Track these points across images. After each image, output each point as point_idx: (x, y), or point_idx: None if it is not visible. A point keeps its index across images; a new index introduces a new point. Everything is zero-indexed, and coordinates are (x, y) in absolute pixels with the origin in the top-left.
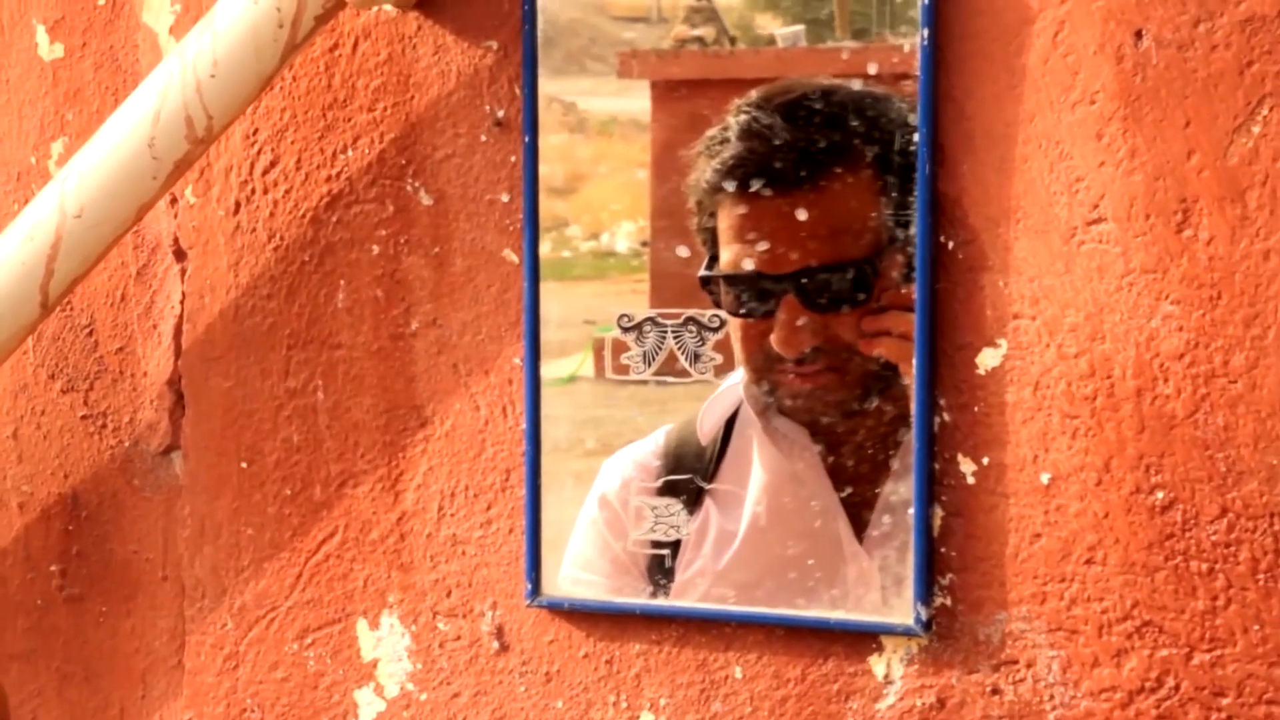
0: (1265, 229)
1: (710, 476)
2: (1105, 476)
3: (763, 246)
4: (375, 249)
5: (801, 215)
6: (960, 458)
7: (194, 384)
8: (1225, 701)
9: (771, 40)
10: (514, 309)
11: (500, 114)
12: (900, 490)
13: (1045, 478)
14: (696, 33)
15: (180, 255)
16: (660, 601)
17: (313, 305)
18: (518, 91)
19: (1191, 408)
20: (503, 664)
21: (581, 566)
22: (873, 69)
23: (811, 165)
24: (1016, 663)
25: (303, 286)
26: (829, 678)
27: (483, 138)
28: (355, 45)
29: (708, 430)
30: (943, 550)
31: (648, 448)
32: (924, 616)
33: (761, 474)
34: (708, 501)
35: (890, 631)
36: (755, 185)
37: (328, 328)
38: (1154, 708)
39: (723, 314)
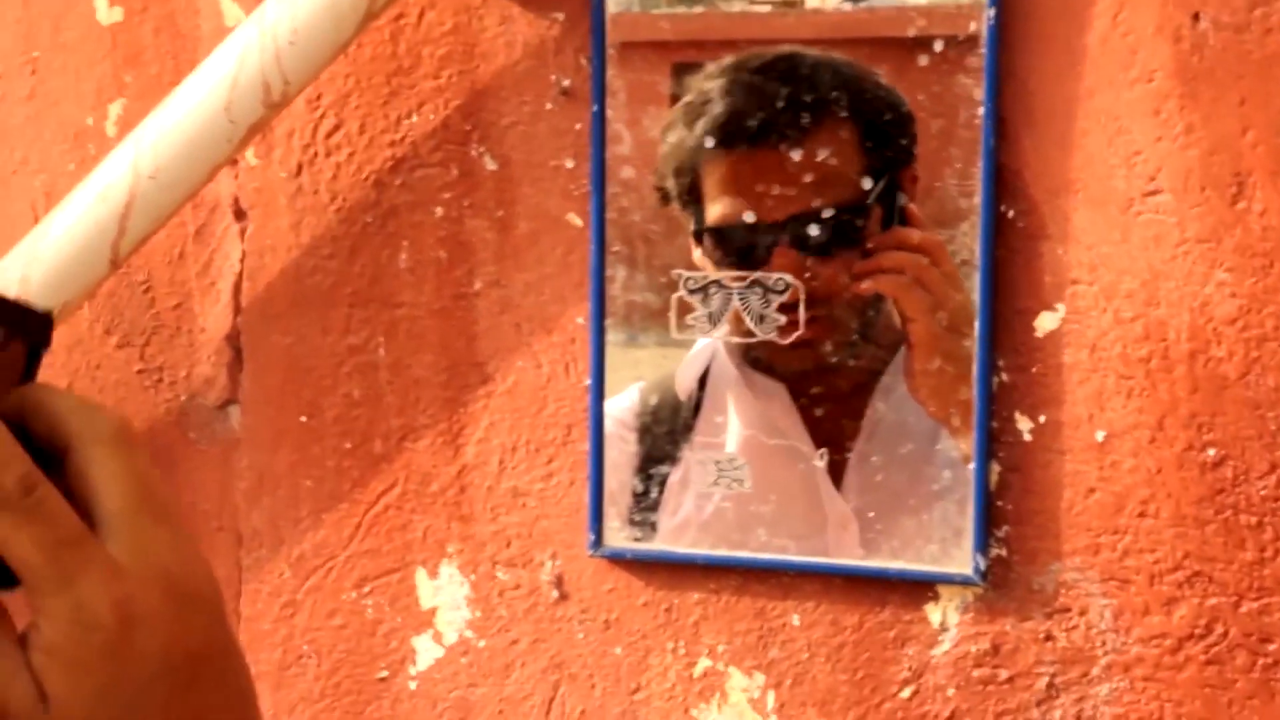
0: None
1: (689, 430)
2: (1158, 434)
3: (754, 197)
4: (439, 211)
5: (790, 165)
6: (1018, 416)
7: (253, 340)
8: (1271, 647)
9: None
10: (578, 271)
11: (566, 84)
12: (961, 446)
13: (1100, 435)
14: None
15: (240, 215)
16: (722, 552)
17: (375, 265)
18: (583, 62)
19: (1243, 369)
20: (562, 612)
21: None
22: (938, 46)
23: (797, 117)
24: (1069, 610)
25: (365, 247)
26: (885, 625)
27: (548, 106)
28: (421, 15)
29: (685, 386)
30: (999, 504)
31: (623, 404)
32: (981, 566)
33: (739, 426)
34: (687, 454)
35: (948, 581)
36: (744, 140)
37: (389, 287)
38: (1203, 653)
39: (788, 277)
